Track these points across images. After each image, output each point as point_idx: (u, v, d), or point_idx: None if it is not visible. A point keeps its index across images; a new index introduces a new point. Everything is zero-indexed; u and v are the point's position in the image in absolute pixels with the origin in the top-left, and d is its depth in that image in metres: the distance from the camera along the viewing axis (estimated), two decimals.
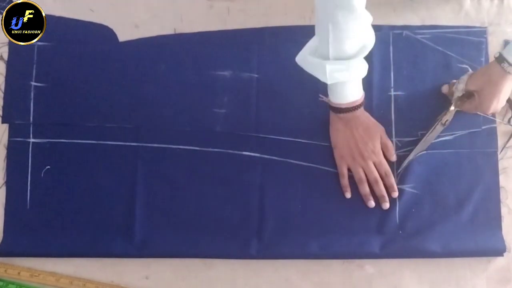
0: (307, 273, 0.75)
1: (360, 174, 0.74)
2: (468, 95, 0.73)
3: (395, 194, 0.74)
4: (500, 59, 0.67)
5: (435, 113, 0.76)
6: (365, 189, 0.74)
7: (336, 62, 0.65)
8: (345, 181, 0.75)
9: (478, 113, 0.75)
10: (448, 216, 0.75)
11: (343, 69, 0.65)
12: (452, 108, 0.74)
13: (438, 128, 0.75)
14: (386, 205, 0.74)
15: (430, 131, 0.75)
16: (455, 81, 0.75)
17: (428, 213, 0.75)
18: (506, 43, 0.80)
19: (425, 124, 0.76)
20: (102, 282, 0.74)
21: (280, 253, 0.74)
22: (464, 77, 0.73)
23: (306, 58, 0.68)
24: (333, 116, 0.75)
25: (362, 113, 0.73)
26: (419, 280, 0.74)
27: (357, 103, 0.71)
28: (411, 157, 0.75)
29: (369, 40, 0.66)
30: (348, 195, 0.75)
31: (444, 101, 0.76)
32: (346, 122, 0.73)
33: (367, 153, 0.73)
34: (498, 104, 0.71)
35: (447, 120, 0.74)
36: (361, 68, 0.67)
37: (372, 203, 0.74)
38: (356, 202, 0.75)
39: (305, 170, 0.76)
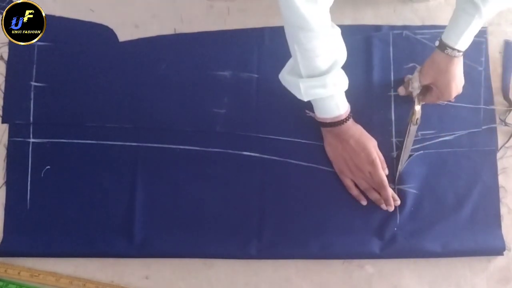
0: (307, 273, 0.75)
1: (363, 185, 0.74)
2: (427, 87, 0.73)
3: (398, 203, 0.74)
4: (442, 46, 0.67)
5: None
6: (374, 195, 0.74)
7: (310, 79, 0.65)
8: (354, 191, 0.75)
9: (442, 102, 0.75)
10: (448, 215, 0.75)
11: (318, 86, 0.65)
12: (416, 106, 0.73)
13: (412, 129, 0.74)
14: (390, 208, 0.74)
15: (406, 136, 0.74)
16: (409, 76, 0.75)
17: (428, 213, 0.75)
18: (506, 43, 0.80)
19: (425, 124, 0.75)
20: (102, 282, 0.74)
21: (280, 253, 0.74)
22: (415, 75, 0.73)
23: (284, 77, 0.70)
24: (323, 130, 0.75)
25: (351, 125, 0.72)
26: (419, 280, 0.74)
27: (342, 117, 0.70)
28: (400, 166, 0.75)
29: (339, 55, 0.66)
30: (364, 202, 0.74)
31: None
32: (336, 135, 0.73)
33: (362, 165, 0.72)
34: (457, 87, 0.71)
35: (417, 119, 0.74)
36: (339, 83, 0.67)
37: (384, 206, 0.73)
38: (356, 202, 0.75)
39: (305, 170, 0.76)
